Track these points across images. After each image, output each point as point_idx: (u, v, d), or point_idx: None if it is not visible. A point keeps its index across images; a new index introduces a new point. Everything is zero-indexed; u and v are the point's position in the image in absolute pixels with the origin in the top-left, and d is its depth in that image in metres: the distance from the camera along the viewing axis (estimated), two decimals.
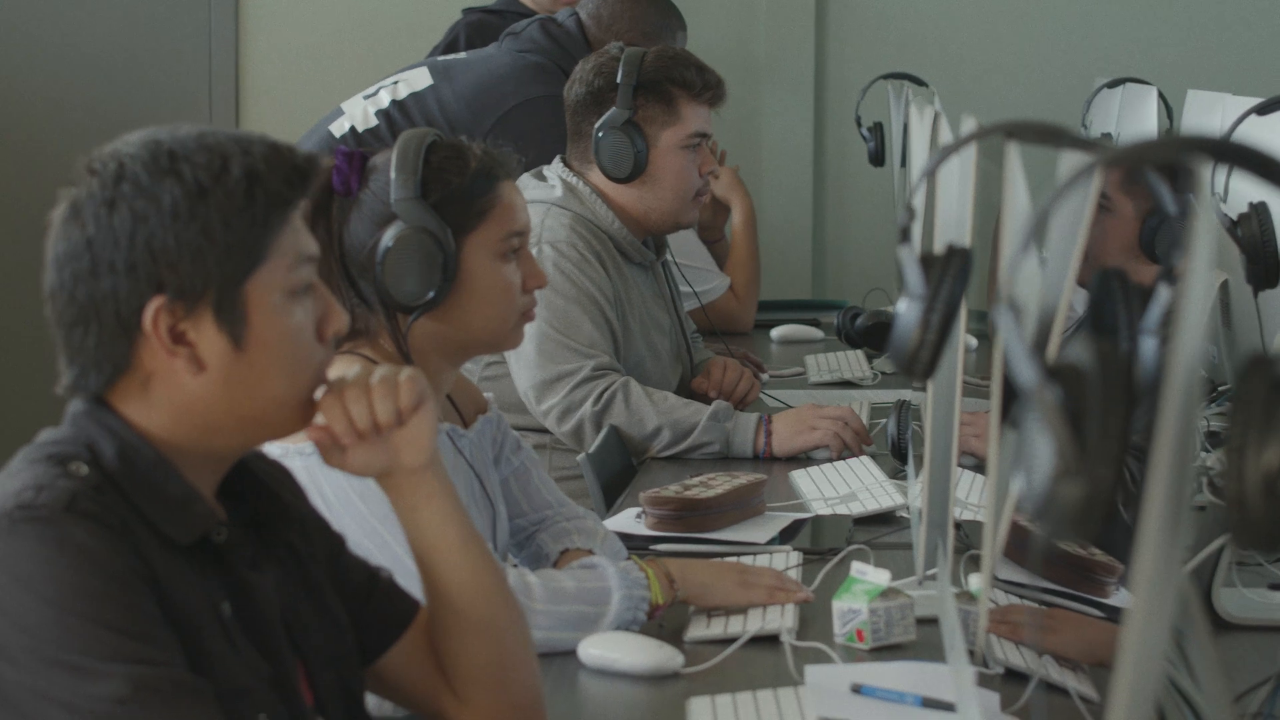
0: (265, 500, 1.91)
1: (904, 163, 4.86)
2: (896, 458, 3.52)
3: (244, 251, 1.77)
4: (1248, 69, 5.82)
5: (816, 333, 5.20)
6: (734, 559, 2.82)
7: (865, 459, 3.50)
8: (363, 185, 2.57)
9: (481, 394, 2.77)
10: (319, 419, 1.87)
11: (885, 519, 3.14)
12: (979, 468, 3.41)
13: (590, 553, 2.67)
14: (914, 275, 1.74)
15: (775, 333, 5.18)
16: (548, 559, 2.69)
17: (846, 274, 6.07)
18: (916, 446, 3.21)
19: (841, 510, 3.15)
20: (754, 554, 2.87)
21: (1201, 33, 6.01)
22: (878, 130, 5.45)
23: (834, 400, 4.22)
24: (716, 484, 3.04)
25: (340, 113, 4.77)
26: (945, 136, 2.48)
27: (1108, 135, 4.75)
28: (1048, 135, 1.74)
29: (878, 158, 5.46)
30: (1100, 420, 1.18)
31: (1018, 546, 2.84)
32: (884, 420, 3.88)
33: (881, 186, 5.77)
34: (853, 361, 4.67)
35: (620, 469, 3.63)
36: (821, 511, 3.16)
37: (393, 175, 2.55)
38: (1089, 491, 1.18)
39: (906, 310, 1.74)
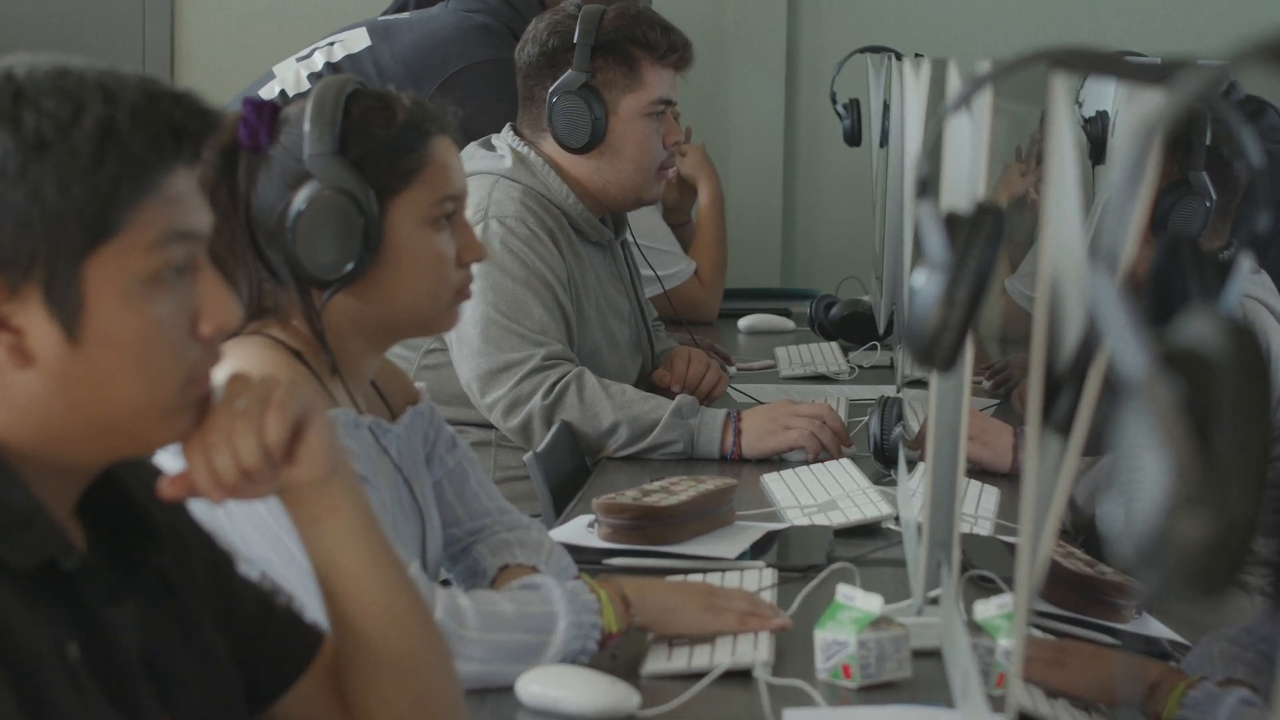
0: (131, 518, 1.57)
1: (884, 141, 4.51)
2: (880, 461, 3.17)
3: (82, 224, 1.42)
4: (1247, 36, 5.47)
5: (787, 323, 4.85)
6: (699, 577, 2.46)
7: (845, 462, 3.14)
8: (273, 140, 2.21)
9: (412, 383, 2.40)
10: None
11: (870, 531, 2.78)
12: (975, 474, 3.06)
13: (534, 569, 2.31)
14: (936, 239, 1.38)
15: (743, 323, 4.83)
16: (485, 575, 2.33)
17: (818, 261, 5.70)
18: (905, 450, 2.86)
19: (821, 520, 2.79)
20: (722, 570, 2.51)
21: (1197, 2, 5.66)
22: (854, 107, 5.10)
23: (808, 396, 3.86)
24: (679, 489, 2.68)
25: (271, 76, 4.39)
26: (953, 90, 2.13)
27: (1103, 113, 4.41)
28: (1101, 63, 1.38)
29: (854, 136, 5.10)
30: (1239, 428, 0.83)
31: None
32: (864, 419, 3.53)
33: (857, 167, 5.41)
34: (827, 354, 4.32)
35: (572, 469, 3.26)
36: (798, 521, 2.80)
37: (306, 128, 2.18)
38: (1223, 526, 0.82)
39: (926, 284, 1.38)
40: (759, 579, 2.46)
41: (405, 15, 4.43)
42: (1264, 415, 0.83)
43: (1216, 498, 0.82)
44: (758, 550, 2.62)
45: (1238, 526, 0.83)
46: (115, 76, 1.47)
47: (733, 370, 4.16)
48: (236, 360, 2.13)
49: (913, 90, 2.73)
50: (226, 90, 4.71)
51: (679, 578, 2.46)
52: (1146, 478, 0.84)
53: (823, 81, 5.47)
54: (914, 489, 2.61)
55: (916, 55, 3.90)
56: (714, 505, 2.67)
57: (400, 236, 2.20)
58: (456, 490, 2.39)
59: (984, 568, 2.44)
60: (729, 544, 2.62)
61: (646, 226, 4.60)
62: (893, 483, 3.04)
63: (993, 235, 1.38)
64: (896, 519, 2.77)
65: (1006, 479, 3.07)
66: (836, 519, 2.78)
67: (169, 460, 1.59)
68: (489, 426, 3.38)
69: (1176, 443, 0.83)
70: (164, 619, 1.58)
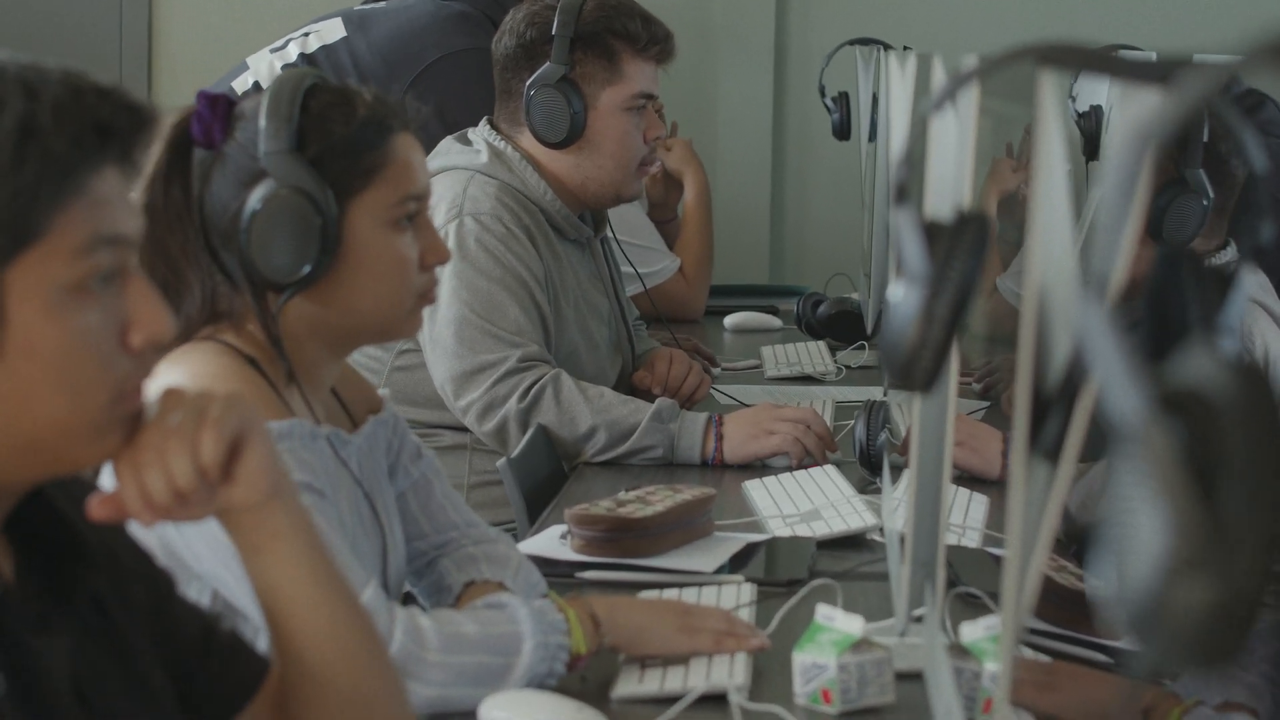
0: (63, 540, 1.47)
1: (873, 135, 4.41)
2: (865, 467, 3.07)
3: (0, 229, 1.32)
4: (1244, 32, 5.37)
5: (774, 321, 4.75)
6: (676, 593, 2.36)
7: (830, 469, 3.04)
8: (228, 136, 2.11)
9: (375, 390, 2.30)
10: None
11: (854, 543, 2.68)
12: (962, 481, 2.97)
13: (500, 586, 2.21)
14: (915, 249, 1.28)
15: (729, 321, 4.72)
16: (449, 591, 2.23)
17: (807, 258, 5.59)
18: (890, 456, 2.76)
19: (803, 531, 2.69)
20: (699, 585, 2.41)
21: None
22: (843, 100, 4.99)
23: (793, 398, 3.76)
24: (656, 499, 2.58)
25: (245, 67, 4.29)
26: (938, 86, 2.03)
27: (1097, 108, 4.31)
28: (1092, 61, 1.28)
29: (843, 130, 4.99)
30: (1248, 481, 0.73)
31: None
32: (850, 423, 3.44)
33: (846, 162, 5.31)
34: (814, 354, 4.22)
35: (548, 475, 3.16)
36: (780, 532, 2.70)
37: (262, 124, 2.08)
38: (1230, 593, 0.72)
39: (904, 297, 1.28)
40: (737, 595, 2.36)
41: (381, 4, 4.32)
42: (1275, 466, 0.74)
43: (1223, 561, 0.72)
44: (737, 563, 2.52)
45: (1246, 593, 0.73)
46: (37, 70, 1.37)
47: (718, 371, 4.06)
48: (187, 368, 2.04)
49: (898, 85, 2.63)
50: (205, 80, 4.60)
51: (654, 593, 2.37)
52: (1143, 535, 0.74)
53: (812, 74, 5.36)
54: (899, 499, 2.52)
55: (905, 48, 3.80)
56: (692, 516, 2.57)
57: (360, 238, 2.09)
58: (421, 502, 2.29)
59: (971, 583, 2.34)
60: (707, 557, 2.52)
61: (630, 222, 4.50)
62: (878, 491, 2.95)
63: (975, 246, 1.28)
64: (882, 530, 2.68)
65: (996, 486, 2.97)
66: (819, 530, 2.68)
67: (109, 479, 1.50)
68: (463, 430, 3.28)
69: (1177, 497, 0.73)
70: (98, 647, 1.49)
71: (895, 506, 2.51)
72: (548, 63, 3.40)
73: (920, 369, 1.28)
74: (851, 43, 5.00)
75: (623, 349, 3.55)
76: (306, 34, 4.27)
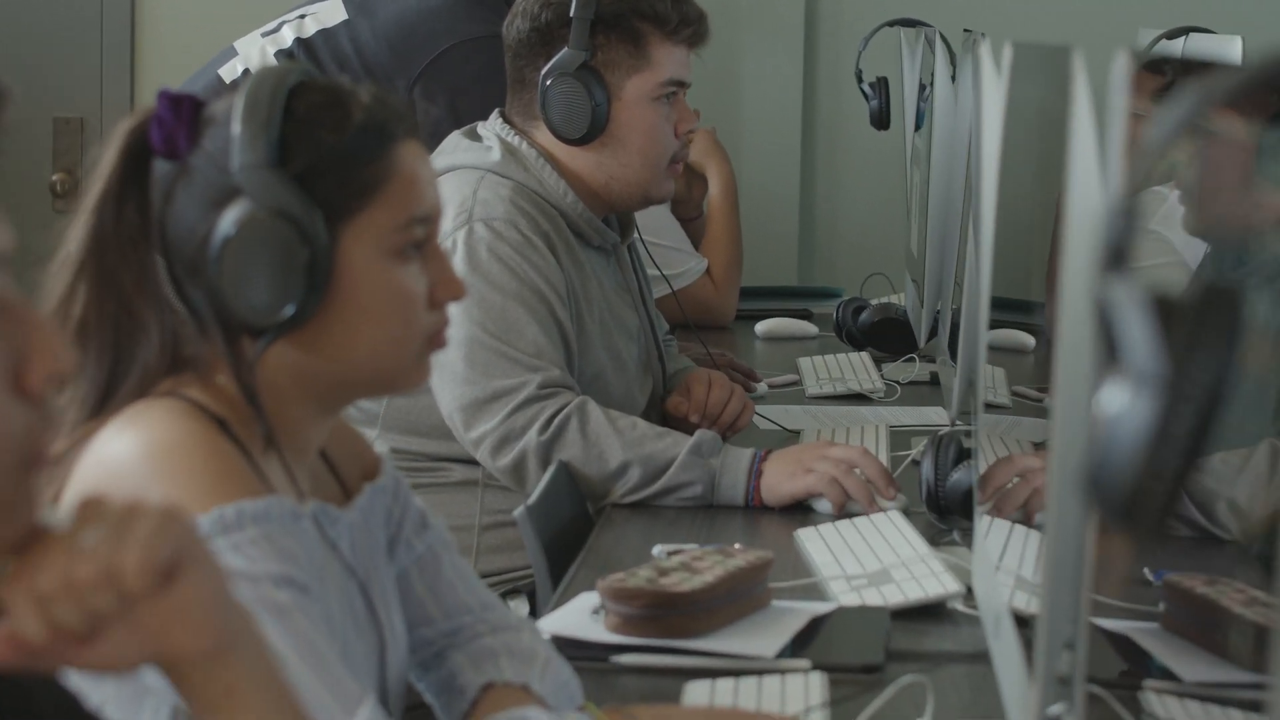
0: None
1: (920, 125, 4.03)
2: (934, 512, 2.68)
3: None
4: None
5: (809, 327, 4.36)
6: (730, 683, 1.99)
7: (894, 514, 2.65)
8: (195, 145, 1.72)
9: (371, 448, 1.92)
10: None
11: (934, 612, 2.30)
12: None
13: (524, 689, 1.83)
14: (1141, 337, 0.90)
15: (760, 328, 4.33)
16: (462, 695, 1.84)
17: (840, 257, 5.19)
18: (978, 504, 2.38)
19: (873, 598, 2.31)
20: (759, 673, 2.03)
21: None
22: (882, 86, 4.61)
23: (840, 422, 3.38)
24: (703, 566, 2.20)
25: (233, 53, 3.89)
26: (1078, 85, 1.65)
27: None
28: None
29: (882, 119, 4.61)
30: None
31: (1205, 626, 2.01)
32: (908, 453, 3.06)
33: (883, 152, 4.92)
34: (857, 366, 3.83)
35: (572, 518, 2.78)
36: (846, 598, 2.31)
37: (236, 130, 1.70)
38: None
39: (1125, 405, 0.90)
40: (805, 687, 1.98)
41: None
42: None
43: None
44: (800, 642, 2.14)
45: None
46: None
47: (761, 389, 3.66)
48: (138, 433, 1.66)
49: (992, 81, 2.24)
50: (192, 65, 4.22)
51: (706, 684, 1.99)
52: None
53: (845, 57, 4.96)
54: (994, 560, 2.14)
55: (965, 31, 3.41)
56: (746, 586, 2.19)
57: (355, 271, 1.71)
58: (428, 581, 1.90)
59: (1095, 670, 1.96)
60: (766, 636, 2.14)
61: (652, 221, 4.10)
62: (954, 543, 2.57)
63: (1229, 335, 0.90)
64: (969, 592, 2.30)
65: None
66: (892, 597, 2.30)
67: None
68: (475, 463, 2.90)
69: None
70: None
71: (992, 570, 2.13)
72: (565, 48, 3.01)
73: (1147, 507, 0.90)
74: (891, 23, 4.62)
75: (653, 369, 3.17)
76: (302, 16, 3.88)
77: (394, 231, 1.72)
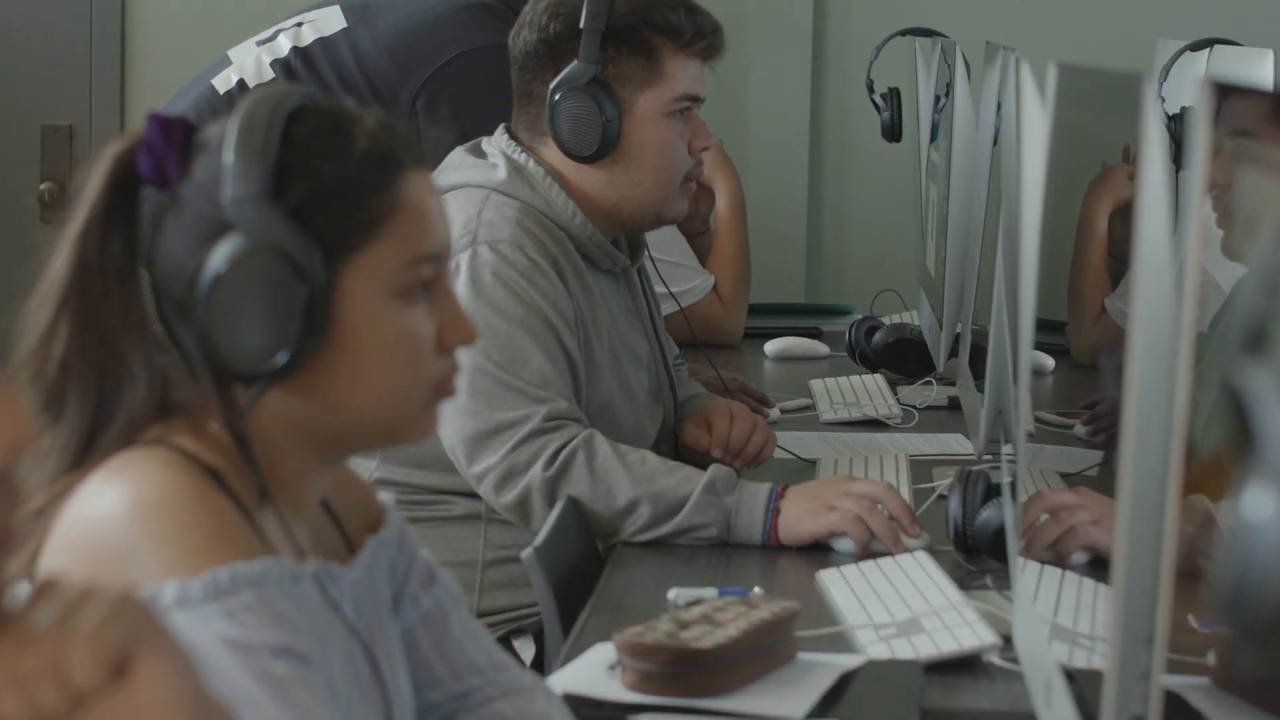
0: None
1: (935, 136, 3.90)
2: (961, 552, 2.55)
3: None
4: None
5: (820, 347, 4.22)
6: None
7: (921, 555, 2.52)
8: (185, 173, 1.59)
9: (375, 496, 1.78)
10: None
11: (968, 665, 2.17)
12: (1099, 565, 2.45)
13: None
14: None
15: (770, 347, 4.19)
16: None
17: (849, 272, 5.05)
18: (1019, 548, 2.24)
19: (903, 650, 2.17)
20: None
21: None
22: (894, 97, 4.48)
23: (856, 446, 3.25)
24: (726, 618, 2.06)
25: (227, 62, 3.75)
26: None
27: (1189, 109, 3.82)
28: None
29: (894, 131, 4.48)
30: None
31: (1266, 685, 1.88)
32: (930, 485, 2.93)
33: (892, 164, 4.79)
34: (872, 390, 3.70)
35: (581, 557, 2.65)
36: (874, 650, 2.18)
37: (229, 158, 1.56)
38: None
39: (1267, 515, 0.77)
40: None
41: None
42: None
43: None
44: (829, 701, 2.01)
45: None
46: None
47: (774, 414, 3.52)
48: (125, 488, 1.53)
49: (1033, 101, 2.11)
50: (185, 71, 4.09)
51: None
52: None
53: (854, 67, 4.83)
54: (1038, 610, 2.00)
55: (987, 44, 3.28)
56: (771, 639, 2.06)
57: (357, 313, 1.58)
58: (435, 640, 1.77)
59: None
60: (793, 694, 2.00)
61: (657, 237, 3.95)
62: (985, 587, 2.44)
63: None
64: (1006, 642, 2.16)
65: None
66: (924, 648, 2.17)
67: None
68: (478, 496, 2.77)
69: None
70: None
71: (1034, 621, 2.00)
72: (575, 61, 2.88)
73: None
74: (903, 33, 4.49)
75: (663, 397, 3.03)
76: (300, 24, 3.74)
77: (400, 270, 1.58)
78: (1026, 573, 2.13)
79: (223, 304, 1.55)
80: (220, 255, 1.55)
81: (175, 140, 1.61)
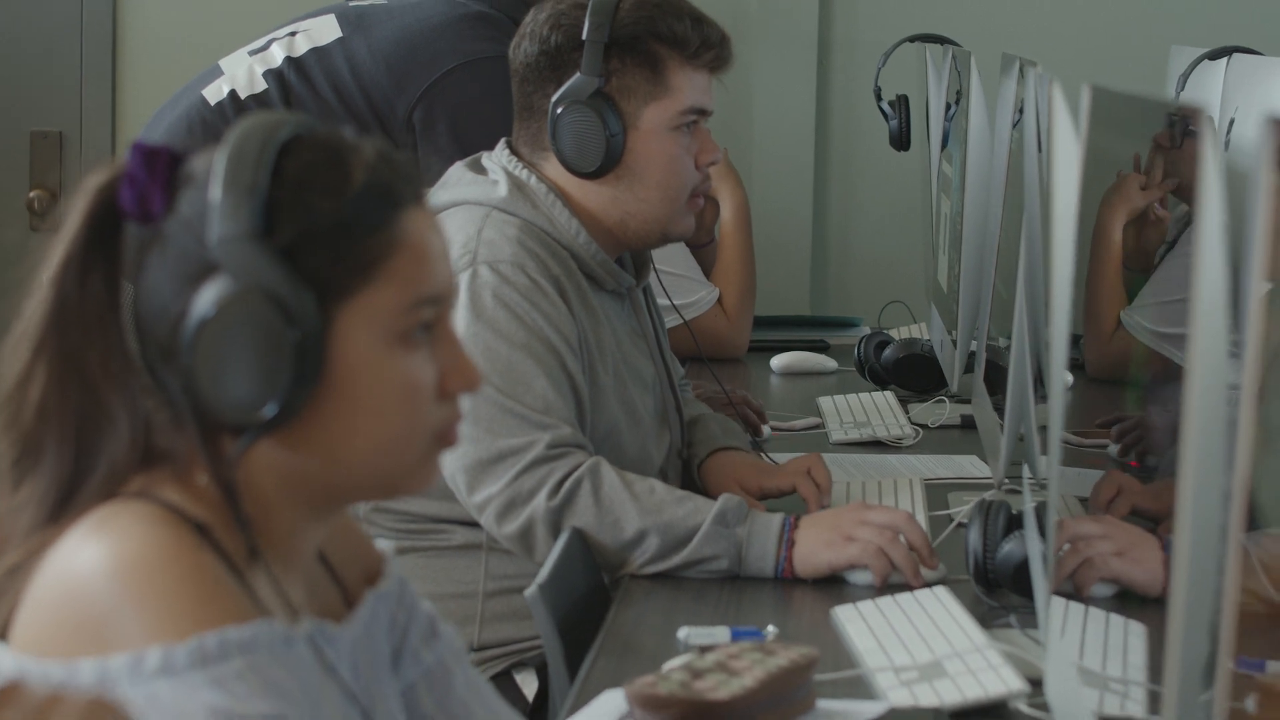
0: None
1: (945, 144, 3.81)
2: (981, 587, 2.46)
3: None
4: None
5: (828, 362, 4.13)
6: None
7: (940, 590, 2.43)
8: (170, 208, 1.50)
9: (372, 546, 1.69)
10: None
11: (996, 713, 2.07)
12: (1117, 604, 2.35)
13: None
14: None
15: (776, 362, 4.10)
16: None
17: (855, 284, 4.94)
18: (1047, 585, 2.15)
19: (925, 696, 2.08)
20: None
21: None
22: (901, 105, 4.39)
23: (867, 468, 3.16)
24: (742, 665, 1.97)
25: (218, 72, 3.66)
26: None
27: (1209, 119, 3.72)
28: None
29: (902, 139, 4.39)
30: None
31: None
32: (945, 512, 2.84)
33: (899, 174, 4.69)
34: (883, 408, 3.60)
35: (586, 590, 2.55)
36: (896, 697, 2.09)
37: (216, 195, 1.47)
38: None
39: None
40: None
41: (382, 1, 3.68)
42: None
43: None
44: None
45: None
46: None
47: (766, 431, 3.42)
48: (105, 545, 1.43)
49: (1062, 117, 2.02)
50: (176, 76, 3.99)
51: None
52: None
53: (860, 75, 4.74)
54: (1072, 655, 1.91)
55: (1005, 56, 3.18)
56: (789, 689, 1.96)
57: (352, 359, 1.48)
58: (438, 698, 1.67)
59: None
60: None
61: (661, 249, 3.87)
62: (1008, 625, 2.34)
63: None
64: (1035, 686, 2.07)
65: (1155, 606, 2.34)
66: (948, 694, 2.07)
67: None
68: (479, 525, 2.67)
69: None
70: None
71: (1066, 665, 1.91)
72: (577, 74, 2.78)
73: None
74: (911, 39, 4.40)
75: (670, 421, 2.93)
76: (293, 33, 3.64)
77: (399, 314, 1.49)
78: (1058, 612, 2.04)
79: (209, 350, 1.46)
80: (206, 298, 1.46)
81: (159, 172, 1.51)
